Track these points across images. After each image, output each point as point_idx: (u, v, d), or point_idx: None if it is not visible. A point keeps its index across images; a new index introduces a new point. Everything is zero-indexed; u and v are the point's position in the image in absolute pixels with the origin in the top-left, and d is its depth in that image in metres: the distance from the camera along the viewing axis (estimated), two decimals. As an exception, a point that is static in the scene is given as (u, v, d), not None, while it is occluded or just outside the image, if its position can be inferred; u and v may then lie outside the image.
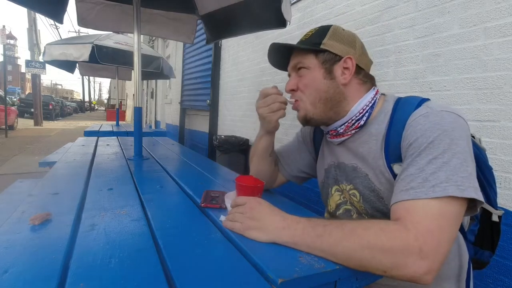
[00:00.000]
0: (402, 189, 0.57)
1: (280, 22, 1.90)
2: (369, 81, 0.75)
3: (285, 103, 0.81)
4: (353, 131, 0.73)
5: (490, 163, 0.71)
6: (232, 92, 3.77)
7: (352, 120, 0.72)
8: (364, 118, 0.71)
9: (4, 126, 8.22)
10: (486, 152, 0.74)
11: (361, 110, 0.72)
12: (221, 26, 2.26)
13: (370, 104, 0.72)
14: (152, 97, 10.66)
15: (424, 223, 0.51)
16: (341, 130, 0.75)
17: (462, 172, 0.53)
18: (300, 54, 0.76)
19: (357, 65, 0.72)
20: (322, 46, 0.72)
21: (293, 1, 2.53)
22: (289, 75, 0.82)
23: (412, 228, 0.51)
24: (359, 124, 0.72)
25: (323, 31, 0.74)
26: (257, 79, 3.14)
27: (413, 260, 0.49)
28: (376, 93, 0.74)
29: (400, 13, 1.65)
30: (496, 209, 0.72)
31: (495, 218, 0.73)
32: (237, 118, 3.61)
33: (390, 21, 1.70)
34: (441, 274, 0.70)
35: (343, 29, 0.75)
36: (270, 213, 0.63)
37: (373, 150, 0.69)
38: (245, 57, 3.44)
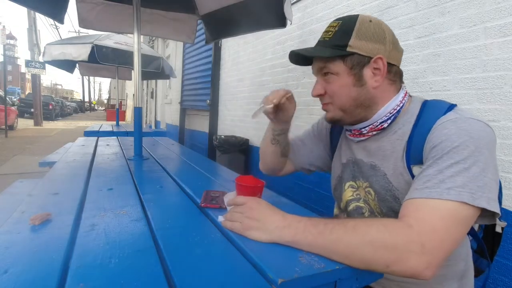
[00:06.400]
0: (416, 187, 0.57)
1: (280, 22, 1.90)
2: (399, 80, 0.71)
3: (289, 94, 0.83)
4: (374, 132, 0.72)
5: None
6: (232, 92, 3.77)
7: (377, 122, 0.70)
8: (389, 121, 0.69)
9: (4, 126, 8.21)
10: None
11: (388, 114, 0.69)
12: (221, 26, 2.26)
13: (398, 108, 0.69)
14: (152, 97, 10.66)
15: (430, 221, 0.51)
16: (365, 131, 0.73)
17: (479, 181, 0.53)
18: (326, 58, 0.69)
19: (388, 62, 0.67)
20: (349, 49, 0.66)
21: (293, 1, 2.53)
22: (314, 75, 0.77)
23: (416, 225, 0.51)
24: (382, 127, 0.70)
25: (347, 27, 0.67)
26: (257, 79, 3.14)
27: (415, 255, 0.49)
28: (405, 95, 0.71)
29: (400, 13, 1.65)
30: (500, 221, 0.72)
31: (498, 229, 0.74)
32: (237, 118, 3.61)
33: (390, 21, 1.70)
34: (446, 274, 0.70)
35: (370, 20, 0.67)
36: (270, 212, 0.62)
37: (397, 150, 0.68)
38: (245, 57, 3.44)
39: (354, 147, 0.79)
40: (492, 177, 0.54)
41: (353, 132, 0.76)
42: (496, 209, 0.53)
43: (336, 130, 0.90)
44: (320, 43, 0.71)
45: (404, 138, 0.67)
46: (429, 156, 0.60)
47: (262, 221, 0.61)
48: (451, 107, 0.64)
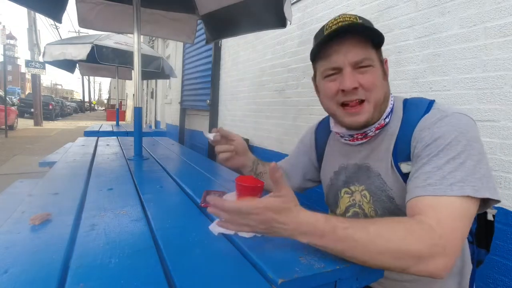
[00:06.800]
0: (418, 185, 0.58)
1: (280, 22, 1.90)
2: None
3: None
4: (377, 132, 0.72)
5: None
6: (232, 92, 3.77)
7: (380, 122, 0.70)
8: (387, 120, 0.71)
9: (4, 126, 8.21)
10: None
11: (388, 110, 0.71)
12: (221, 26, 2.26)
13: (392, 106, 0.71)
14: (152, 97, 10.66)
15: (449, 222, 0.52)
16: (371, 133, 0.72)
17: (476, 173, 0.55)
18: (364, 47, 0.64)
19: None
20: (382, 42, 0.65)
21: (293, 1, 2.52)
22: (330, 71, 0.67)
23: (438, 227, 0.52)
24: (384, 124, 0.71)
25: (368, 22, 0.67)
26: (257, 79, 3.14)
27: (437, 258, 0.50)
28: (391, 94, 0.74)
29: (400, 13, 1.64)
30: (491, 208, 0.73)
31: (490, 217, 0.75)
32: (237, 118, 3.61)
33: (390, 21, 1.70)
34: None
35: None
36: (283, 222, 0.53)
37: (389, 149, 0.69)
38: (245, 57, 3.44)
39: (349, 152, 0.79)
40: (486, 167, 0.57)
41: (355, 136, 0.74)
42: (499, 197, 0.55)
43: (320, 138, 0.90)
44: (354, 24, 0.64)
45: (394, 136, 0.69)
46: (422, 154, 0.61)
47: (274, 231, 0.54)
48: (431, 103, 0.67)
